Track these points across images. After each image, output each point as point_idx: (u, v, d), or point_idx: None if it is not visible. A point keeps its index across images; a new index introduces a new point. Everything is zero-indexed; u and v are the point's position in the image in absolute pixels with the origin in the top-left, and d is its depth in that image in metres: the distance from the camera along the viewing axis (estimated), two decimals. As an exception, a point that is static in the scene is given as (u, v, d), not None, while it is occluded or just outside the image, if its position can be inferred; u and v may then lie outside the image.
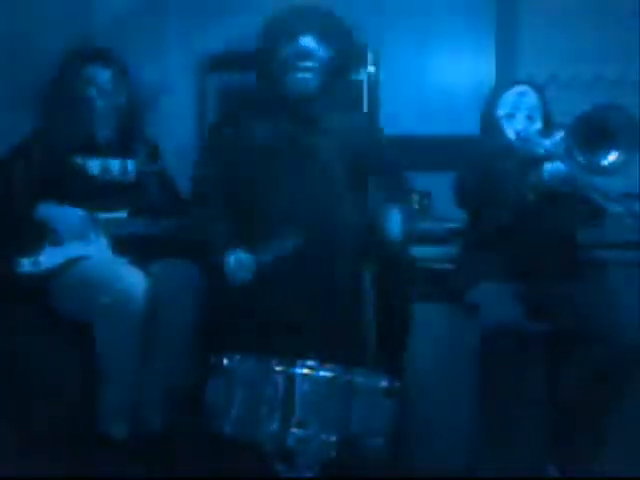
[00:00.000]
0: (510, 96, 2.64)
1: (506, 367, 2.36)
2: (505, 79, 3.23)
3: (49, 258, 2.42)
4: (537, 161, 2.47)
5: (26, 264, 2.40)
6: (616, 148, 2.34)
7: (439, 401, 2.86)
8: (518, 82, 2.74)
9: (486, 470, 2.38)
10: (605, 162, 2.35)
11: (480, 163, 2.56)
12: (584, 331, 2.37)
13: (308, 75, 2.35)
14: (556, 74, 3.41)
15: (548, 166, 2.42)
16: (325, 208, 2.37)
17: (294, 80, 2.36)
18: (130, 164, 2.61)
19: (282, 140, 2.39)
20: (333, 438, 1.88)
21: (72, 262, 2.41)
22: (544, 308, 2.51)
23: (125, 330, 2.31)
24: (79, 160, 2.53)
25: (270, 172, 2.37)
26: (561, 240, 2.59)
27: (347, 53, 2.42)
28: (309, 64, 2.34)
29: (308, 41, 2.32)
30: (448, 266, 2.84)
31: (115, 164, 2.58)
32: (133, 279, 2.33)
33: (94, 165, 2.55)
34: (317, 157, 2.38)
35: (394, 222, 2.30)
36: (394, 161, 2.55)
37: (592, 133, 2.33)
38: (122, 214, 2.54)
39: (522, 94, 2.63)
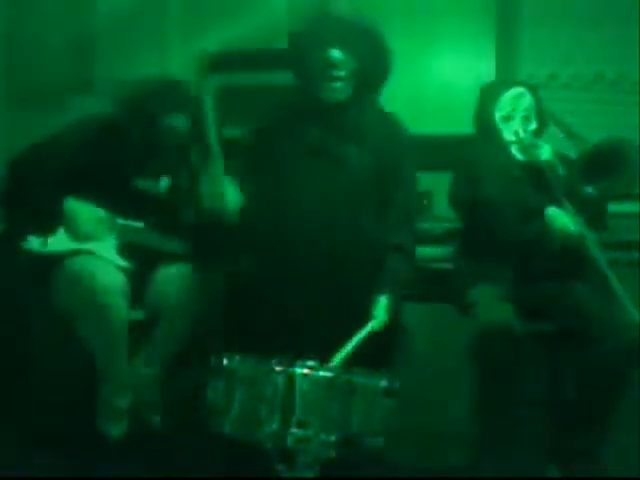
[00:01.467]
0: (507, 99, 2.64)
1: (506, 367, 2.36)
2: (502, 79, 3.22)
3: (56, 243, 2.42)
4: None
5: (35, 242, 2.40)
6: (621, 179, 2.37)
7: (439, 401, 2.86)
8: (513, 84, 2.73)
9: (486, 470, 2.38)
10: (609, 192, 2.39)
11: (473, 179, 2.57)
12: (584, 331, 2.38)
13: (338, 84, 2.37)
14: (556, 74, 3.41)
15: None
16: (346, 216, 2.39)
17: (324, 89, 2.38)
18: (164, 181, 2.60)
19: (311, 146, 2.41)
20: (333, 438, 1.87)
21: (72, 253, 2.42)
22: (544, 308, 2.51)
23: (107, 327, 2.31)
24: (125, 168, 2.52)
25: (297, 179, 2.40)
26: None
27: (377, 62, 2.43)
28: (338, 73, 2.36)
29: (336, 52, 2.33)
30: (448, 266, 2.84)
31: (150, 179, 2.57)
32: (107, 277, 2.34)
33: (134, 175, 2.54)
34: (345, 165, 2.40)
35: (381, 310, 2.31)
36: (412, 179, 2.54)
37: (600, 164, 2.37)
38: (139, 223, 2.55)
39: (519, 96, 2.64)
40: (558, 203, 2.46)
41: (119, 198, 2.49)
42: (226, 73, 3.26)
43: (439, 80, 3.25)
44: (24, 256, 2.40)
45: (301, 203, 2.39)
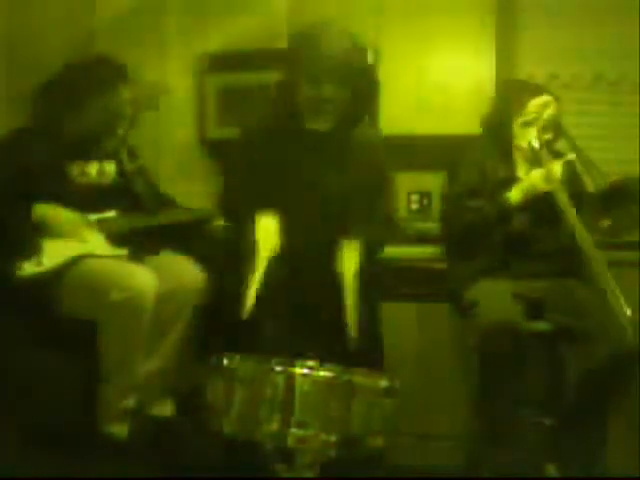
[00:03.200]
0: (533, 106, 2.59)
1: (506, 366, 2.36)
2: (504, 79, 3.22)
3: (51, 258, 2.41)
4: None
5: (29, 266, 2.39)
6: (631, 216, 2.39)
7: (439, 401, 2.86)
8: (543, 91, 2.66)
9: (486, 470, 2.38)
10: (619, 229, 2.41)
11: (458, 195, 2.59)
12: (584, 330, 2.38)
13: (327, 116, 2.40)
14: (556, 74, 3.41)
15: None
16: (320, 233, 2.40)
17: (312, 121, 2.40)
18: (108, 166, 2.60)
19: (290, 169, 2.42)
20: (333, 438, 1.87)
21: (75, 261, 2.41)
22: (543, 307, 2.52)
23: (133, 327, 2.31)
24: (58, 162, 2.51)
25: (276, 205, 2.40)
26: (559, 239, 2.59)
27: (365, 94, 2.46)
28: (328, 107, 2.38)
29: (328, 88, 2.34)
30: (448, 266, 2.84)
31: (93, 166, 2.56)
32: (145, 276, 2.35)
33: (73, 167, 2.52)
34: (325, 193, 2.42)
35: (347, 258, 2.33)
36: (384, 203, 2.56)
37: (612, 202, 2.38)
38: (110, 213, 2.54)
39: (546, 105, 2.59)
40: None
41: (66, 196, 2.48)
42: (226, 73, 3.27)
43: (438, 80, 3.25)
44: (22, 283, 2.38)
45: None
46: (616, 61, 3.36)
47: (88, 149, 2.56)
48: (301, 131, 2.43)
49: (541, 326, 2.50)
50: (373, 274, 2.43)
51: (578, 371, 2.39)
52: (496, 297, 2.44)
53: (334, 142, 2.44)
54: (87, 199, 2.51)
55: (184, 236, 2.63)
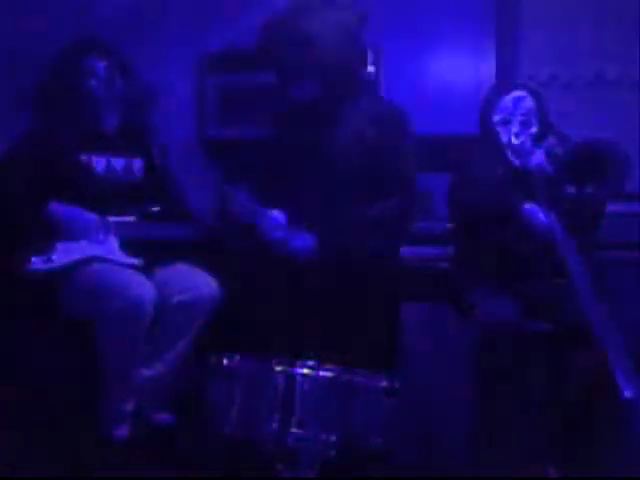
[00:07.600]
0: (506, 102, 2.65)
1: (505, 367, 2.36)
2: (504, 80, 3.23)
3: (61, 256, 2.40)
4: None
5: (38, 262, 2.39)
6: (605, 181, 2.37)
7: (439, 401, 2.86)
8: (514, 86, 2.74)
9: (486, 470, 2.38)
10: (592, 193, 2.39)
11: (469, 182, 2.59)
12: (583, 331, 2.37)
13: (308, 84, 2.38)
14: (556, 74, 3.41)
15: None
16: (333, 206, 2.39)
17: (295, 89, 2.39)
18: (136, 163, 2.60)
19: (297, 140, 2.43)
20: (333, 438, 1.87)
21: (83, 262, 2.41)
22: (543, 308, 2.51)
23: (130, 336, 2.31)
24: (84, 157, 2.51)
25: (289, 172, 2.40)
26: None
27: (349, 55, 2.42)
28: (307, 73, 2.36)
29: (310, 52, 2.33)
30: (448, 266, 2.84)
31: (120, 162, 2.57)
32: (143, 287, 2.34)
33: (99, 162, 2.53)
34: (330, 153, 2.40)
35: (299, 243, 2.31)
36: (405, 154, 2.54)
37: (583, 164, 2.37)
38: (131, 217, 2.54)
39: (518, 99, 2.64)
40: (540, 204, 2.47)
41: (92, 191, 2.48)
42: (226, 73, 3.27)
43: (439, 80, 3.25)
44: (30, 277, 2.38)
45: (295, 204, 2.38)
46: (616, 61, 3.36)
47: (105, 139, 2.55)
48: (292, 103, 2.41)
49: (541, 327, 2.50)
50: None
51: (578, 371, 2.39)
52: (496, 298, 2.44)
53: (326, 109, 2.42)
54: (111, 197, 2.51)
55: (197, 250, 2.62)
